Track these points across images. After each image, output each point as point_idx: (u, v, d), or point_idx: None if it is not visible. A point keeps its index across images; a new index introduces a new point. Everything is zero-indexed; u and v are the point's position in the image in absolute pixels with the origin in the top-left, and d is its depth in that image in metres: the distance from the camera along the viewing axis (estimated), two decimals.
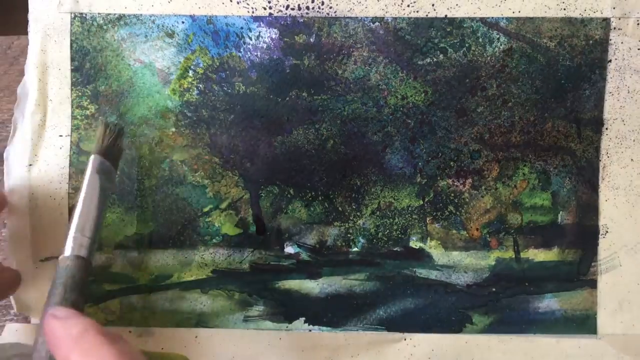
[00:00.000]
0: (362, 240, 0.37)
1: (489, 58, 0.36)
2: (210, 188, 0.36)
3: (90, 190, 0.31)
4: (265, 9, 0.36)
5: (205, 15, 0.36)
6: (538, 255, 0.36)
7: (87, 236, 0.30)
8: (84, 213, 0.30)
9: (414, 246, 0.37)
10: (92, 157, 0.33)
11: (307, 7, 0.35)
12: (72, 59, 0.36)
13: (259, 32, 0.36)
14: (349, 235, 0.37)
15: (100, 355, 0.23)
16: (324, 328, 0.37)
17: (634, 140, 0.36)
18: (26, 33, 0.36)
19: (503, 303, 0.36)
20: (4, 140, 0.42)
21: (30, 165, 0.36)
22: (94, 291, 0.36)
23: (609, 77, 0.35)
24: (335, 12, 0.35)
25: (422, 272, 0.37)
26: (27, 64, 0.36)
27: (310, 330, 0.37)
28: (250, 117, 0.36)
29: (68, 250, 0.29)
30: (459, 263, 0.37)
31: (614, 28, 0.35)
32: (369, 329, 0.37)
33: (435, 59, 0.36)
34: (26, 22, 0.36)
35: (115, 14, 0.36)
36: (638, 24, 0.35)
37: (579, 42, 0.35)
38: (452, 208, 0.36)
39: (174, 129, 0.36)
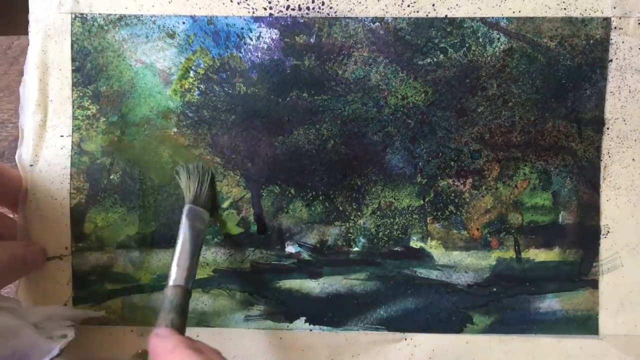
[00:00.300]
0: (362, 240, 0.37)
1: (489, 58, 0.35)
2: None
3: (184, 235, 0.34)
4: (265, 9, 0.36)
5: (206, 16, 0.36)
6: (539, 255, 0.36)
7: (185, 268, 0.33)
8: (183, 251, 0.33)
9: (414, 246, 0.37)
10: (185, 208, 0.34)
11: (308, 8, 0.35)
12: (73, 60, 0.36)
13: (260, 33, 0.36)
14: (349, 234, 0.37)
15: None
16: (325, 328, 0.37)
17: (635, 140, 0.36)
18: (26, 33, 0.36)
19: (504, 303, 0.36)
20: (4, 140, 0.43)
21: (32, 165, 0.36)
22: (96, 290, 0.37)
23: (610, 77, 0.35)
24: (335, 12, 0.35)
25: (422, 272, 0.37)
26: (28, 64, 0.36)
27: (311, 330, 0.37)
28: (251, 117, 0.36)
29: (170, 281, 0.33)
30: (459, 263, 0.36)
31: (615, 28, 0.35)
32: (370, 328, 0.37)
33: (435, 59, 0.36)
34: (26, 22, 0.36)
35: (115, 15, 0.36)
36: (639, 24, 0.35)
37: (579, 42, 0.35)
38: (452, 208, 0.36)
39: (175, 129, 0.36)
